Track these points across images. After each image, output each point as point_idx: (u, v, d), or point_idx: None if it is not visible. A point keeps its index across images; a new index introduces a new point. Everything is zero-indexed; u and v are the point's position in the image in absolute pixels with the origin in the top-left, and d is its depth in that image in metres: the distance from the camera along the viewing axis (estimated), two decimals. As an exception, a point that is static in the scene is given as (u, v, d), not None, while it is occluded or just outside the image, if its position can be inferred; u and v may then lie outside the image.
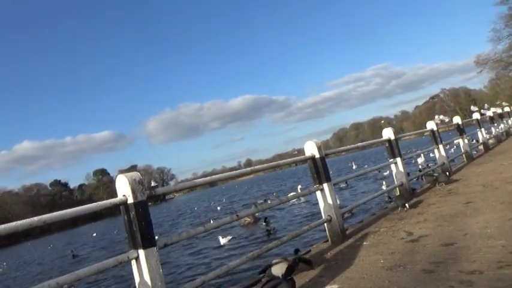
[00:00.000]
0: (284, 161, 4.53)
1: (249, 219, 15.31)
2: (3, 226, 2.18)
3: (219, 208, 29.12)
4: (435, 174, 7.38)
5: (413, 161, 21.81)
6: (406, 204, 5.27)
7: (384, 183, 17.23)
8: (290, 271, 2.83)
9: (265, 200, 20.73)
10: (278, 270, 2.93)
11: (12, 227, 2.18)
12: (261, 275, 3.18)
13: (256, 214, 15.59)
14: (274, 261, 3.06)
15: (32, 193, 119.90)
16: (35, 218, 2.29)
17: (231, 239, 12.46)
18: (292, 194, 4.54)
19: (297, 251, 3.47)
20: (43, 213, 2.59)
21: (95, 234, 34.77)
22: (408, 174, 6.77)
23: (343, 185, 21.69)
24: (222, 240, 12.49)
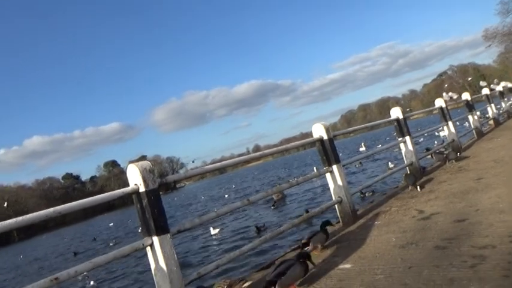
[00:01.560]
0: (292, 144, 4.53)
1: (277, 195, 16.42)
2: (21, 218, 2.23)
3: (226, 196, 29.36)
4: (445, 152, 7.32)
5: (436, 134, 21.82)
6: (417, 184, 5.25)
7: (390, 163, 17.19)
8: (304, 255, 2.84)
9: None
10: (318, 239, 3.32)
11: (30, 218, 2.23)
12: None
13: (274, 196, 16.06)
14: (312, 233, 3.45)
15: (45, 187, 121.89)
16: (51, 209, 2.34)
17: (220, 230, 13.21)
18: (301, 177, 4.54)
19: (325, 223, 3.59)
20: (57, 206, 2.64)
21: (111, 224, 35.49)
22: (428, 149, 6.73)
23: (357, 165, 21.76)
24: (213, 231, 12.97)
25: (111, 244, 19.59)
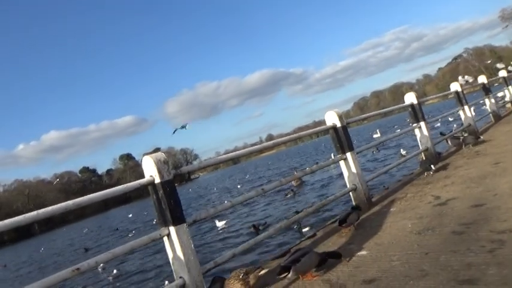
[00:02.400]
0: (305, 132, 4.51)
1: (296, 181, 16.71)
2: (42, 210, 2.29)
3: (239, 186, 29.46)
4: (461, 137, 7.20)
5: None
6: (432, 166, 5.19)
7: (402, 149, 16.97)
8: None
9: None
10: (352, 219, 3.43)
11: (50, 211, 2.28)
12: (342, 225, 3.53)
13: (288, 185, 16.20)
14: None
15: (63, 181, 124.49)
16: (70, 202, 2.39)
17: (226, 222, 13.28)
18: (315, 165, 4.54)
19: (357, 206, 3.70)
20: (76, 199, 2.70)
21: (130, 215, 36.26)
22: (442, 134, 6.63)
23: (374, 151, 21.63)
24: (219, 224, 13.13)
25: (130, 235, 20.06)
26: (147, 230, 19.55)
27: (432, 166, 5.18)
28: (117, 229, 27.05)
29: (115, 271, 11.14)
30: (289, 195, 15.37)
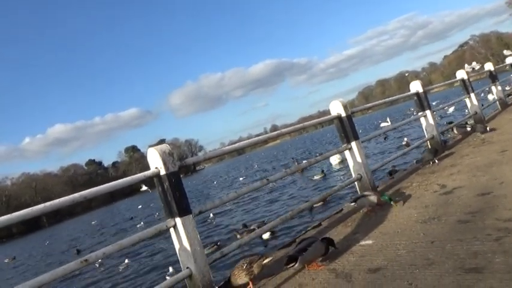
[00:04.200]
0: (310, 122, 4.50)
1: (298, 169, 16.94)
2: (50, 203, 2.31)
3: (241, 179, 29.45)
4: (468, 125, 7.15)
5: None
6: (435, 159, 5.16)
7: (406, 139, 16.88)
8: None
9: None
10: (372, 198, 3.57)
11: (57, 203, 2.30)
12: (352, 204, 3.78)
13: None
14: (366, 192, 3.75)
15: (70, 173, 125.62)
16: (77, 194, 2.41)
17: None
18: (319, 155, 4.53)
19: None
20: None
21: (140, 206, 36.68)
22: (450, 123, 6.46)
23: (384, 139, 21.59)
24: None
25: (138, 226, 20.37)
26: (161, 218, 19.88)
27: (436, 160, 5.15)
28: (132, 218, 27.70)
29: (126, 260, 11.34)
30: (318, 177, 15.72)
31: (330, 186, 13.45)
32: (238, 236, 9.48)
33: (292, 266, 2.63)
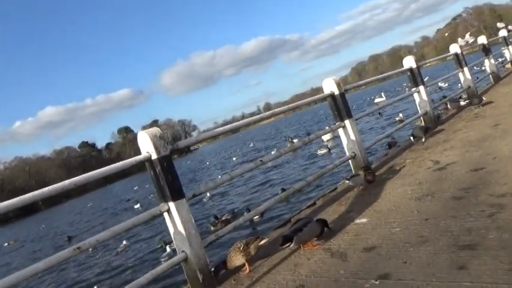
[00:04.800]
0: (303, 101, 4.45)
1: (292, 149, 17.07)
2: (38, 192, 2.27)
3: (234, 159, 29.49)
4: (461, 100, 7.14)
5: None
6: (423, 139, 5.11)
7: (401, 114, 16.90)
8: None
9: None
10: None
11: (46, 192, 2.26)
12: (347, 181, 3.84)
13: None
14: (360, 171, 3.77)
15: (63, 156, 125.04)
16: (66, 182, 2.37)
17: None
18: (313, 134, 4.50)
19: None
20: (76, 175, 2.69)
21: (136, 188, 36.82)
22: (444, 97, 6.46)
23: (379, 115, 21.64)
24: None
25: (135, 207, 20.52)
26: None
27: (423, 139, 5.09)
28: (129, 200, 27.87)
29: (124, 242, 11.44)
30: (323, 151, 16.01)
31: (322, 165, 13.54)
32: (212, 228, 9.25)
33: (288, 246, 2.64)
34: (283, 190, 10.24)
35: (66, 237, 18.75)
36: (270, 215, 8.92)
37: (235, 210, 10.37)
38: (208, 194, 14.25)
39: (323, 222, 2.80)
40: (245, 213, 3.96)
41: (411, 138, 5.08)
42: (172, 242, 2.81)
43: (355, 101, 48.78)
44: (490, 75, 9.72)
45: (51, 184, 2.39)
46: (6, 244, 27.97)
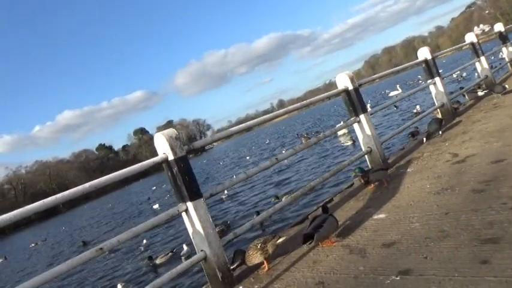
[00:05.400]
0: (317, 97, 4.42)
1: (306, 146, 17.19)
2: (60, 195, 2.32)
3: (248, 158, 29.43)
4: (479, 90, 6.99)
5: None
6: (440, 132, 5.01)
7: (418, 107, 16.62)
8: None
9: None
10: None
11: (67, 195, 2.31)
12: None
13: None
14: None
15: (81, 159, 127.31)
16: (87, 185, 2.41)
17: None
18: (328, 130, 4.48)
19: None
20: (95, 177, 2.75)
21: (154, 188, 37.38)
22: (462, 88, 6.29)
23: (395, 108, 21.41)
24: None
25: (154, 207, 20.77)
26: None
27: (440, 132, 5.00)
28: (149, 198, 28.40)
29: (144, 241, 11.61)
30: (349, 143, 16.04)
31: (337, 160, 13.44)
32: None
33: (310, 243, 2.64)
34: (279, 196, 10.08)
35: (80, 242, 18.10)
36: (286, 212, 8.90)
37: (228, 222, 10.20)
38: (226, 192, 14.31)
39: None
40: (258, 215, 3.93)
41: (424, 139, 4.98)
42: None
43: (370, 95, 48.20)
44: (508, 64, 9.48)
45: (71, 186, 2.45)
46: (32, 245, 28.74)
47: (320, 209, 2.91)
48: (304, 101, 4.17)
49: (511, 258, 1.80)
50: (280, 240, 2.76)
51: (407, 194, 3.21)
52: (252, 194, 13.55)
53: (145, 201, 28.16)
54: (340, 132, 18.18)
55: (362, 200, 3.50)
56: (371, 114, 4.54)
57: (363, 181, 3.85)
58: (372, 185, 3.75)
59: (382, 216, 2.91)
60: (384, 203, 3.18)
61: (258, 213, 9.37)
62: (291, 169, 15.54)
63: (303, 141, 19.35)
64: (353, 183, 4.12)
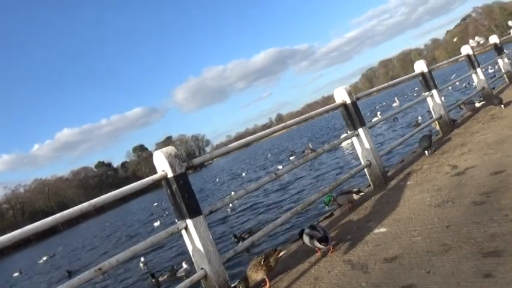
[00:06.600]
0: (315, 111, 4.43)
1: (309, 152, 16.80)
2: (59, 214, 2.31)
3: (244, 174, 29.30)
4: (476, 102, 7.03)
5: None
6: (431, 148, 4.91)
7: (420, 117, 16.71)
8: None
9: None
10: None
11: (66, 215, 2.30)
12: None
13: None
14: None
15: (80, 177, 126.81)
16: (85, 204, 2.40)
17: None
18: (327, 144, 4.48)
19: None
20: (94, 194, 2.74)
21: (155, 204, 37.13)
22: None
23: (394, 120, 21.43)
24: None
25: (155, 224, 20.58)
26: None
27: (431, 149, 4.90)
28: (152, 214, 28.48)
29: (142, 259, 11.45)
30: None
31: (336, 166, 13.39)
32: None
33: (325, 246, 2.74)
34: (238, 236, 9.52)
35: (65, 272, 15.90)
36: (286, 227, 8.83)
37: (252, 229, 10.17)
38: (230, 207, 14.25)
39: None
40: (260, 230, 3.93)
41: (426, 152, 4.93)
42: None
43: (369, 107, 48.40)
44: (505, 75, 9.56)
45: (70, 204, 2.45)
46: (16, 274, 27.98)
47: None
48: (303, 116, 4.18)
49: (514, 271, 1.78)
50: (281, 254, 2.73)
51: (408, 207, 3.20)
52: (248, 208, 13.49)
53: (148, 216, 27.96)
54: (344, 143, 18.26)
55: (362, 213, 3.48)
56: (369, 127, 4.55)
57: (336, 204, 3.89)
58: (347, 207, 3.81)
59: (383, 230, 2.89)
60: (385, 216, 3.16)
61: (249, 233, 9.34)
62: (292, 181, 15.50)
63: (308, 153, 19.29)
64: (332, 213, 4.02)
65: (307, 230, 2.86)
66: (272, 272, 2.69)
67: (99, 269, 2.32)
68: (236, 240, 9.49)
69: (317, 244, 2.72)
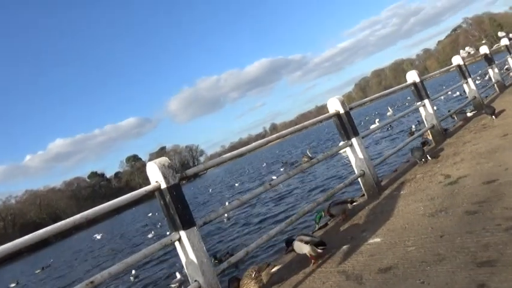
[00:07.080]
0: (309, 121, 4.45)
1: (305, 161, 16.64)
2: (51, 227, 2.28)
3: (237, 185, 29.14)
4: (467, 112, 7.10)
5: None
6: (428, 156, 4.93)
7: (413, 126, 16.85)
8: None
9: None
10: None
11: (58, 227, 2.27)
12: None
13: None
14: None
15: (73, 187, 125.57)
16: (78, 216, 2.37)
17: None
18: (321, 154, 4.49)
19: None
20: (87, 205, 2.71)
21: (150, 214, 36.78)
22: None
23: (389, 128, 21.56)
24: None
25: (149, 236, 20.31)
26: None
27: (428, 157, 4.93)
28: (147, 224, 27.99)
29: (133, 271, 11.30)
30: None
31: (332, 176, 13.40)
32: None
33: (323, 249, 2.84)
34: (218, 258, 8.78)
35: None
36: (280, 238, 8.77)
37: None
38: (225, 216, 14.15)
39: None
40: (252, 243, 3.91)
41: (423, 160, 4.96)
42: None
43: (363, 116, 48.68)
44: (495, 85, 9.69)
45: (62, 216, 2.43)
46: (37, 271, 27.91)
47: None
48: (297, 125, 4.19)
49: (508, 281, 1.78)
50: (274, 269, 2.71)
51: (402, 216, 3.20)
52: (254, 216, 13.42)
53: (141, 227, 27.64)
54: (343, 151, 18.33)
55: (357, 223, 3.48)
56: (363, 137, 4.57)
57: (328, 215, 3.86)
58: (340, 218, 3.81)
59: (377, 240, 2.89)
60: (379, 226, 3.16)
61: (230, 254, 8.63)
62: (286, 191, 15.47)
63: (305, 161, 19.24)
64: (327, 223, 4.02)
65: (300, 237, 2.87)
66: (265, 286, 2.66)
67: (91, 282, 2.28)
68: (217, 261, 8.59)
69: (315, 249, 2.81)
